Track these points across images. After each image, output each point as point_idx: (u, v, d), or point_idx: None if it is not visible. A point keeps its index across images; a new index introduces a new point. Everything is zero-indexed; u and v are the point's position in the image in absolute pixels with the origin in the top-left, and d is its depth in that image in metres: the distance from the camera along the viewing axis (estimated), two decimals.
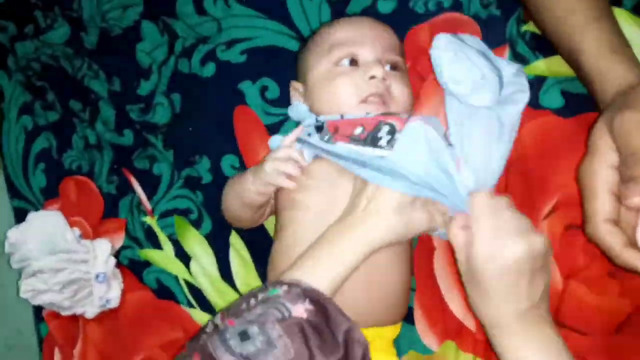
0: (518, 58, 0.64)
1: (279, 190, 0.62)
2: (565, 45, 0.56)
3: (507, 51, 0.65)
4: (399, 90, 0.60)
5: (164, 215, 0.78)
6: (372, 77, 0.58)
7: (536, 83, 0.63)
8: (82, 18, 0.88)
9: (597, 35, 0.53)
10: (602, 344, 0.56)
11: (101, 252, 0.77)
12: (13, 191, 0.88)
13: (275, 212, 0.64)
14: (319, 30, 0.66)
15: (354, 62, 0.60)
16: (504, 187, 0.62)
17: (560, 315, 0.57)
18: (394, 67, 0.61)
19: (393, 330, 0.60)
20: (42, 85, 0.89)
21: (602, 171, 0.47)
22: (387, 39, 0.62)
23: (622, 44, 0.54)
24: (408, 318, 0.63)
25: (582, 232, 0.57)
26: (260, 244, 0.70)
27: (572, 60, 0.56)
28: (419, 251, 0.64)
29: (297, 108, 0.63)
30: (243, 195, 0.63)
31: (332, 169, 0.58)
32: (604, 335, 0.55)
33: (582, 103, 0.60)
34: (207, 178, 0.76)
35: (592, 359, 0.56)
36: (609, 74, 0.52)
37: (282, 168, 0.58)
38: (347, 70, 0.60)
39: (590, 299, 0.56)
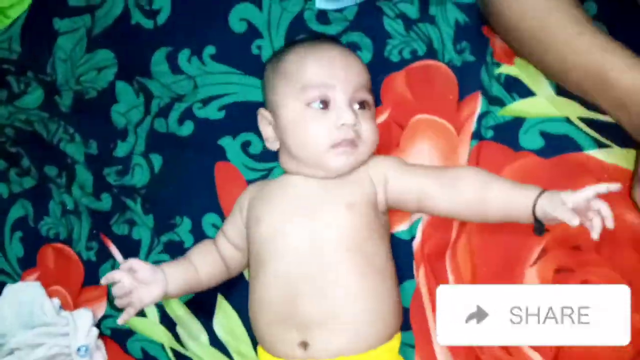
0: (494, 101, 0.64)
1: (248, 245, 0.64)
2: (580, 68, 0.55)
3: (479, 97, 0.65)
4: (367, 130, 0.61)
5: None
6: (343, 124, 0.59)
7: (515, 125, 0.62)
8: (56, 82, 0.87)
9: (622, 51, 0.53)
10: None
11: (82, 324, 0.74)
12: None
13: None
14: (289, 56, 0.64)
15: (324, 102, 0.60)
16: (486, 233, 0.61)
17: (560, 356, 0.55)
18: (363, 105, 0.62)
19: (397, 340, 0.59)
20: (16, 151, 0.88)
21: None
22: (357, 76, 0.62)
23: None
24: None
25: (572, 274, 0.56)
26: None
27: (595, 80, 0.54)
28: (414, 308, 0.62)
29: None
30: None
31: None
32: None
33: (562, 144, 0.60)
34: (188, 241, 0.74)
35: None
36: None
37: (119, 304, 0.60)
38: (318, 113, 0.60)
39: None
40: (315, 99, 0.60)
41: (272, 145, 0.66)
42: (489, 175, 0.58)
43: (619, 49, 0.53)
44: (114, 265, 0.77)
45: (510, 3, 0.59)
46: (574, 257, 0.57)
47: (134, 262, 0.61)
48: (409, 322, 0.63)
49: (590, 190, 0.50)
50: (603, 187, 0.50)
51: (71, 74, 0.86)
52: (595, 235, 0.49)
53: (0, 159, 0.88)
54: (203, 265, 0.65)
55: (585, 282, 0.56)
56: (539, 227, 0.54)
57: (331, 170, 0.60)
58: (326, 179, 0.61)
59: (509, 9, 0.59)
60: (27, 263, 0.82)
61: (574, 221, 0.49)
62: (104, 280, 0.61)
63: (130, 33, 0.84)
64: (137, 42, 0.83)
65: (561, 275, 0.57)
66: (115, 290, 0.60)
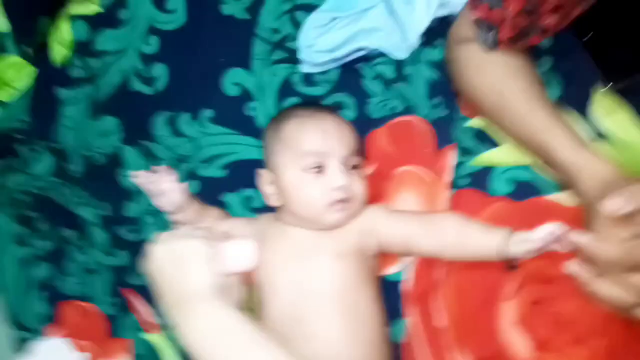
0: (465, 152, 0.72)
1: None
2: (532, 144, 0.63)
3: (454, 150, 0.72)
4: (358, 189, 0.69)
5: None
6: (338, 188, 0.67)
7: (485, 173, 0.70)
8: (65, 149, 0.94)
9: (563, 131, 0.60)
10: None
11: None
12: (15, 322, 0.91)
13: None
14: (288, 125, 0.71)
15: (320, 168, 0.68)
16: (462, 271, 0.68)
17: None
18: (354, 167, 0.70)
19: None
20: (34, 216, 0.94)
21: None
22: (349, 143, 0.70)
23: (582, 137, 0.61)
24: None
25: (548, 307, 0.64)
26: None
27: (543, 156, 0.62)
28: (407, 345, 0.70)
29: None
30: None
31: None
32: None
33: (528, 189, 0.68)
34: None
35: None
36: (590, 167, 0.58)
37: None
38: (315, 178, 0.68)
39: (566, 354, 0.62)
40: (313, 165, 0.67)
41: (275, 202, 0.73)
42: (466, 220, 0.66)
43: (562, 129, 0.60)
44: (134, 319, 0.84)
45: (470, 83, 0.67)
46: (546, 290, 0.64)
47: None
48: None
49: (542, 232, 0.57)
50: (553, 228, 0.57)
51: (79, 141, 0.93)
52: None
53: (20, 225, 0.95)
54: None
55: (556, 312, 0.64)
56: (510, 264, 0.62)
57: (328, 226, 0.68)
58: (321, 231, 0.69)
59: (470, 89, 0.67)
60: (52, 321, 0.89)
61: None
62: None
63: (131, 100, 0.91)
64: (139, 108, 0.90)
65: (537, 307, 0.64)
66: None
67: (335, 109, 0.78)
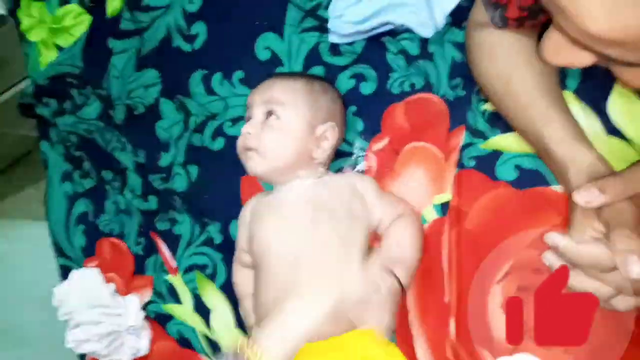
0: (477, 134, 0.72)
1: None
2: (531, 134, 0.63)
3: (464, 131, 0.73)
4: (269, 139, 0.72)
5: (187, 271, 0.89)
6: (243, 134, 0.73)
7: (493, 157, 0.70)
8: (110, 96, 1.01)
9: (560, 123, 0.60)
10: None
11: (132, 307, 0.89)
12: (58, 250, 1.01)
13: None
14: None
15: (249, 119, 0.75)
16: (461, 250, 0.70)
17: None
18: (269, 114, 0.73)
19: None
20: (79, 156, 1.03)
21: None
22: (268, 92, 0.74)
23: (582, 131, 0.61)
24: None
25: (531, 294, 0.65)
26: None
27: (540, 147, 0.62)
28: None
29: None
30: None
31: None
32: None
33: (533, 178, 0.68)
34: (217, 239, 0.87)
35: None
36: (580, 161, 0.58)
37: None
38: None
39: (539, 355, 0.63)
40: (247, 117, 0.76)
41: None
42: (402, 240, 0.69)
43: (557, 121, 0.60)
44: (157, 259, 0.91)
45: (481, 68, 0.66)
46: (534, 279, 0.65)
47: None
48: None
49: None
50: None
51: (123, 89, 1.00)
52: None
53: (66, 162, 1.04)
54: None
55: None
56: None
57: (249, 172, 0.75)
58: (311, 191, 0.72)
59: (481, 73, 0.66)
60: (88, 252, 0.99)
61: None
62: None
63: (172, 55, 0.96)
64: (178, 63, 0.95)
65: (522, 293, 0.66)
66: None
67: (320, 77, 0.81)
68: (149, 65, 0.98)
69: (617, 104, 0.66)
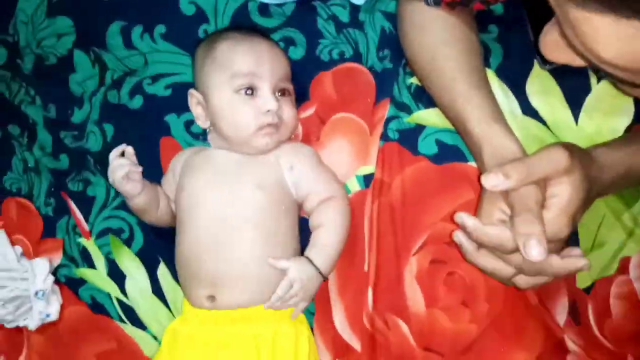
0: (401, 107, 0.72)
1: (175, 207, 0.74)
2: (451, 111, 0.64)
3: (389, 104, 0.73)
4: (288, 115, 0.70)
5: (100, 235, 0.85)
6: (268, 110, 0.67)
7: (416, 131, 0.71)
8: (18, 43, 0.92)
9: (479, 103, 0.61)
10: None
11: (40, 271, 0.84)
12: None
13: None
14: (221, 45, 0.71)
15: (251, 90, 0.69)
16: (382, 222, 0.71)
17: (423, 339, 0.67)
18: (284, 93, 0.71)
19: None
20: None
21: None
22: (282, 69, 0.71)
23: (500, 112, 0.62)
24: None
25: (444, 266, 0.68)
26: None
27: (459, 125, 0.63)
28: None
29: None
30: (129, 204, 0.76)
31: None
32: (455, 355, 0.66)
33: (452, 153, 0.69)
34: None
35: None
36: (495, 142, 0.59)
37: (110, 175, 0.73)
38: (246, 100, 0.69)
39: (447, 325, 0.66)
40: (244, 85, 0.68)
41: (203, 123, 0.74)
42: (332, 220, 0.68)
43: (478, 100, 0.61)
44: (69, 221, 0.87)
45: (410, 41, 0.66)
46: (447, 252, 0.68)
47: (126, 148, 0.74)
48: None
49: None
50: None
51: (32, 37, 0.91)
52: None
53: None
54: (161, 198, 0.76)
55: (452, 274, 0.68)
56: None
57: (256, 149, 0.70)
58: (245, 157, 0.71)
59: (409, 46, 0.66)
60: None
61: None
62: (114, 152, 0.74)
63: (88, 2, 0.89)
64: (94, 12, 0.88)
65: (435, 266, 0.68)
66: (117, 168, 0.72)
67: (268, 35, 0.77)
68: (61, 12, 0.90)
69: (535, 85, 0.68)
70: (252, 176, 0.69)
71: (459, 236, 0.58)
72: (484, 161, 0.59)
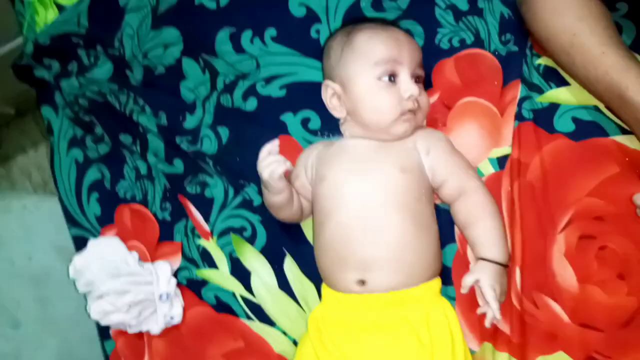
0: (533, 88, 0.73)
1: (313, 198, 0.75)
2: (600, 84, 0.64)
3: (520, 85, 0.73)
4: (423, 100, 0.72)
5: (221, 234, 0.85)
6: (410, 96, 0.69)
7: (550, 110, 0.71)
8: (124, 56, 0.95)
9: (638, 72, 0.62)
10: (613, 337, 0.65)
11: (163, 274, 0.85)
12: (70, 221, 0.95)
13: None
14: (359, 35, 0.73)
15: (393, 76, 0.70)
16: (523, 202, 0.70)
17: (577, 315, 0.66)
18: (418, 79, 0.72)
19: (437, 282, 0.70)
20: (90, 120, 0.97)
21: None
22: (417, 56, 0.73)
23: None
24: None
25: (594, 241, 0.67)
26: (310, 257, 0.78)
27: (612, 96, 0.63)
28: (457, 262, 0.73)
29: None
30: (268, 201, 0.76)
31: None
32: (614, 329, 0.65)
33: (590, 129, 0.69)
34: (257, 200, 0.84)
35: (606, 351, 0.65)
36: None
37: (266, 171, 0.71)
38: (388, 86, 0.70)
39: (603, 299, 0.65)
40: (386, 72, 0.70)
41: (339, 113, 0.76)
42: (484, 211, 0.68)
43: (634, 70, 0.61)
44: (187, 224, 0.87)
45: (545, 23, 0.67)
46: (595, 227, 0.67)
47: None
48: (452, 278, 0.73)
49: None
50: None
51: (138, 49, 0.94)
52: (486, 323, 0.65)
53: (75, 127, 0.97)
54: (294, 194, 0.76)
55: (603, 248, 0.67)
56: None
57: (396, 135, 0.71)
58: (384, 143, 0.72)
59: (544, 28, 0.68)
60: (105, 221, 0.93)
61: (464, 290, 0.66)
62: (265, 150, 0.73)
63: (194, 12, 0.91)
64: (201, 21, 0.91)
65: (583, 241, 0.67)
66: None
67: (398, 25, 0.79)
68: (167, 23, 0.93)
69: None
70: (394, 160, 0.70)
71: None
72: None
